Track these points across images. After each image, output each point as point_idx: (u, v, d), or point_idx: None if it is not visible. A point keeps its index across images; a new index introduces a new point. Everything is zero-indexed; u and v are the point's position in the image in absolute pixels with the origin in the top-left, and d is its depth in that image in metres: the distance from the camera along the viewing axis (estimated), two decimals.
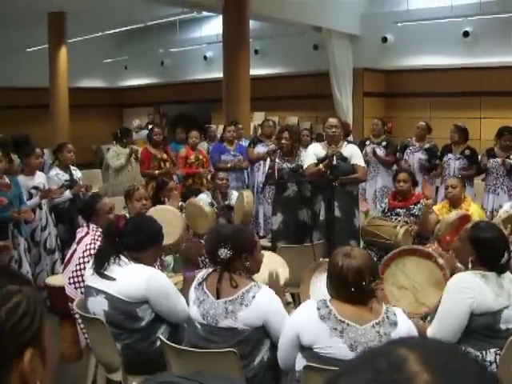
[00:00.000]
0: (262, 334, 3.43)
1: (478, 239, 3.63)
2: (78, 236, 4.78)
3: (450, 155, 8.78)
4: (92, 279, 3.82)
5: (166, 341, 3.40)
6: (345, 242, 6.26)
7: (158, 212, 5.07)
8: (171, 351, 3.41)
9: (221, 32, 14.75)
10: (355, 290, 3.02)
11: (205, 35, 16.62)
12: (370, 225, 6.29)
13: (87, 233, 4.74)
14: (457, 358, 0.81)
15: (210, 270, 3.63)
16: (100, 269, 3.76)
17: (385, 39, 13.68)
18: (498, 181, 8.27)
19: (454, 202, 6.43)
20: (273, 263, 4.45)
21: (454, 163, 8.76)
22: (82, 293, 4.41)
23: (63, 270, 4.77)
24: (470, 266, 3.64)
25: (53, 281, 5.40)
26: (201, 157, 8.99)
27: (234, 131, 9.46)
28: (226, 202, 7.04)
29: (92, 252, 4.54)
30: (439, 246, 5.71)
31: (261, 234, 8.59)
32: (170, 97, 18.89)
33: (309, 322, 3.05)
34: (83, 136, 16.53)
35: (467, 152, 8.74)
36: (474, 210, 6.36)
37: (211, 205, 6.84)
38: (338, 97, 14.00)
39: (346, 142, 6.96)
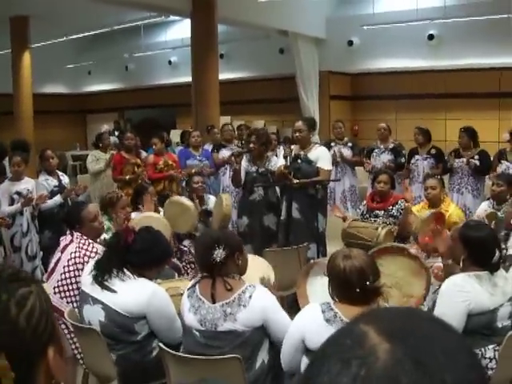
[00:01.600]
0: (262, 334, 3.41)
1: (469, 238, 3.65)
2: (62, 244, 4.65)
3: (417, 156, 8.91)
4: (90, 286, 3.73)
5: (166, 349, 3.32)
6: (303, 244, 6.29)
7: (142, 220, 4.99)
8: (172, 359, 3.33)
9: (186, 36, 14.74)
10: (360, 290, 3.01)
11: (169, 39, 16.57)
12: (350, 227, 6.28)
13: (71, 241, 4.60)
14: (414, 321, 0.83)
15: (198, 277, 3.61)
16: (101, 279, 3.67)
17: (351, 42, 13.78)
18: (462, 180, 8.44)
19: (434, 203, 6.46)
20: (259, 265, 4.44)
21: (422, 163, 8.92)
22: (67, 302, 4.32)
23: (47, 279, 4.64)
24: (461, 264, 3.66)
25: None
26: (170, 162, 8.88)
27: (199, 136, 9.41)
28: (204, 207, 6.96)
29: (78, 260, 4.43)
30: (418, 245, 5.76)
31: None
32: (135, 102, 18.73)
33: (314, 326, 3.02)
34: (47, 142, 16.13)
35: (433, 151, 8.91)
36: (453, 210, 6.40)
37: None
38: (304, 100, 14.03)
39: (316, 145, 7.01)
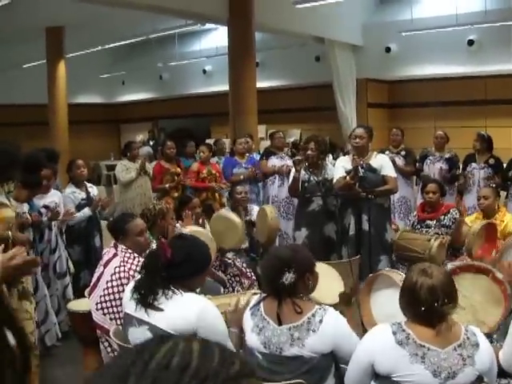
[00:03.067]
0: (330, 360, 3.16)
1: None
2: (105, 258, 4.44)
3: (473, 165, 8.57)
4: (133, 308, 3.50)
5: None
6: (374, 258, 6.04)
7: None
8: None
9: (220, 45, 14.67)
10: (426, 309, 2.79)
11: (204, 48, 16.44)
12: (401, 239, 6.08)
13: (115, 254, 4.40)
14: None
15: (263, 294, 3.39)
16: (144, 301, 3.39)
17: (388, 49, 13.57)
18: None
19: (488, 213, 6.20)
20: (327, 275, 4.22)
21: (478, 173, 8.58)
22: (111, 319, 4.13)
23: (89, 295, 4.45)
24: None
25: (76, 306, 5.09)
26: (213, 171, 8.71)
27: (246, 143, 9.22)
28: (247, 218, 6.75)
29: (122, 275, 4.24)
30: (470, 258, 5.51)
31: None
32: (168, 111, 18.64)
33: (385, 349, 2.79)
34: (80, 152, 16.18)
35: (491, 161, 8.55)
36: (509, 220, 6.14)
37: None
38: (341, 108, 13.81)
39: (375, 153, 6.74)
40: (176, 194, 8.32)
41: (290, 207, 8.62)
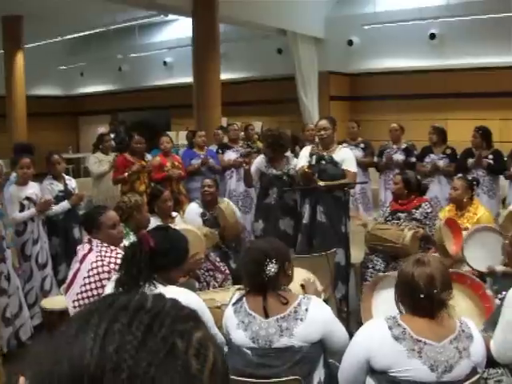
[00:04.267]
0: (319, 349, 3.16)
1: None
2: (80, 254, 4.30)
3: (432, 156, 8.64)
4: None
5: None
6: (328, 249, 6.04)
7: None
8: None
9: (182, 36, 14.55)
10: (425, 297, 2.79)
11: (165, 40, 16.27)
12: (374, 229, 6.08)
13: (90, 249, 4.27)
14: None
15: (241, 292, 3.35)
16: None
17: (350, 42, 13.58)
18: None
19: (459, 205, 6.24)
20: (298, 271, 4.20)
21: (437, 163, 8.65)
22: None
23: (66, 292, 4.33)
24: None
25: (50, 304, 4.96)
26: (176, 163, 8.59)
27: (205, 136, 9.15)
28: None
29: (100, 270, 4.12)
30: (442, 255, 5.57)
31: None
32: (128, 104, 18.37)
33: (381, 345, 2.77)
34: (39, 145, 15.90)
35: (448, 151, 8.67)
36: (482, 213, 6.19)
37: (203, 215, 6.51)
38: (304, 101, 13.81)
39: (340, 146, 6.72)
40: (142, 188, 8.18)
41: (248, 200, 8.69)
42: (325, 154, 6.37)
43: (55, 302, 4.88)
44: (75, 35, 14.86)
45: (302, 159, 6.50)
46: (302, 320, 3.09)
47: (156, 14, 12.92)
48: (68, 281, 4.33)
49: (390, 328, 2.78)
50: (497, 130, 12.02)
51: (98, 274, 4.11)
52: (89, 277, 4.11)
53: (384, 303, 3.92)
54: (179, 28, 15.48)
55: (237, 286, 4.44)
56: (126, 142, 8.79)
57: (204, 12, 10.51)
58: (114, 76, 18.01)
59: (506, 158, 8.29)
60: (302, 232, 6.45)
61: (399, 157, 8.92)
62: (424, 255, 3.03)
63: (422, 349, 2.71)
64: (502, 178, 8.32)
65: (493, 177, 8.22)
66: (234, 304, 3.28)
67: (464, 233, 5.76)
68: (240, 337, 3.17)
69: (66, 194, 6.72)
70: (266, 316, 3.13)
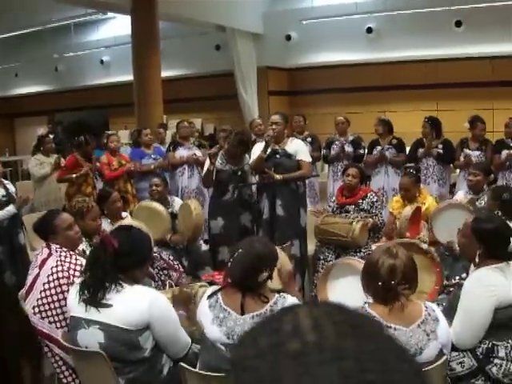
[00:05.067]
0: None
1: (484, 231, 3.56)
2: (39, 258, 4.19)
3: (378, 147, 8.79)
4: (79, 309, 3.35)
5: (187, 366, 3.03)
6: (287, 242, 6.11)
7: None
8: (193, 378, 3.05)
9: (119, 34, 14.40)
10: (382, 285, 2.90)
11: (101, 38, 16.04)
12: (323, 223, 6.14)
13: (50, 254, 4.20)
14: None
15: (214, 286, 3.36)
16: (95, 301, 3.29)
17: (289, 37, 13.67)
18: (428, 170, 8.42)
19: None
20: None
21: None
22: (50, 322, 3.92)
23: (25, 299, 4.24)
24: (477, 259, 3.55)
25: None
26: (123, 161, 8.51)
27: (151, 134, 9.09)
28: (169, 210, 6.63)
29: (60, 275, 4.04)
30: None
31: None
32: (65, 104, 17.97)
33: None
34: None
35: (394, 141, 8.84)
36: (430, 203, 6.35)
37: None
38: (243, 96, 13.85)
39: (290, 138, 6.78)
40: (88, 190, 8.07)
41: (200, 198, 8.61)
42: (277, 147, 6.42)
43: None
44: (9, 34, 14.50)
45: (255, 154, 6.53)
46: None
47: (92, 12, 12.76)
48: (27, 286, 4.22)
49: None
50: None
51: (58, 279, 4.03)
52: (48, 282, 4.03)
53: (339, 293, 4.00)
54: (116, 26, 15.29)
55: (199, 284, 4.45)
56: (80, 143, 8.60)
57: (143, 10, 10.43)
58: (51, 76, 17.61)
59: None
60: (263, 227, 6.48)
61: (347, 149, 9.04)
62: (395, 247, 3.11)
63: (392, 334, 2.77)
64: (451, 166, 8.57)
65: (443, 165, 8.43)
66: (208, 298, 3.28)
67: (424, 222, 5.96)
68: (214, 332, 3.17)
69: (9, 199, 6.53)
70: (242, 313, 3.14)
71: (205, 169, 6.89)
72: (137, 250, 3.41)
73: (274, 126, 6.48)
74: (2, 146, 18.10)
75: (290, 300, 3.22)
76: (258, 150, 6.59)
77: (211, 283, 4.86)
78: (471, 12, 11.59)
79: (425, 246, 4.34)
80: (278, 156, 6.44)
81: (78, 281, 3.53)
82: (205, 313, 3.23)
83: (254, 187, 6.97)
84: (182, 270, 5.82)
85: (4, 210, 6.34)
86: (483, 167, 6.52)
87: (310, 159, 6.78)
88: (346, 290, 3.54)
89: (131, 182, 8.45)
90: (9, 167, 16.69)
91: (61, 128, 17.23)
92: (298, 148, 6.56)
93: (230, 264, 3.33)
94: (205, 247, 6.94)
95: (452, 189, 8.59)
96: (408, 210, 5.96)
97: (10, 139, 19.69)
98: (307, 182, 8.91)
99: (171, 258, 5.91)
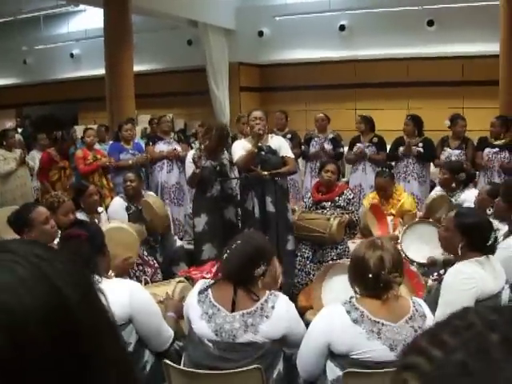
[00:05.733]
0: (280, 345, 3.16)
1: (466, 225, 3.61)
2: None
3: (358, 144, 8.82)
4: None
5: (171, 363, 2.98)
6: (282, 238, 6.07)
7: (111, 232, 4.44)
8: (177, 375, 2.98)
9: (90, 28, 14.23)
10: (372, 277, 2.87)
11: (72, 31, 15.81)
12: (300, 219, 6.13)
13: None
14: None
15: (208, 280, 3.31)
16: None
17: (261, 33, 13.63)
18: (408, 168, 8.43)
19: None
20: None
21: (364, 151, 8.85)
22: None
23: None
24: (459, 252, 3.57)
25: None
26: (99, 156, 8.39)
27: (132, 129, 8.98)
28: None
29: None
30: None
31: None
32: (34, 98, 17.67)
33: (342, 329, 2.82)
34: None
35: (375, 139, 8.89)
36: (406, 199, 6.39)
37: (128, 208, 6.40)
38: (215, 92, 13.78)
39: (270, 135, 6.72)
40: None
41: (181, 193, 8.55)
42: (260, 144, 6.33)
43: None
44: None
45: (237, 153, 6.40)
46: (267, 317, 3.08)
47: (64, 4, 12.57)
48: None
49: (349, 312, 2.83)
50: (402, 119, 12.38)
51: None
52: None
53: (333, 291, 3.98)
54: (87, 19, 15.08)
55: (177, 279, 4.39)
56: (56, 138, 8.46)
57: (116, 3, 10.31)
58: (19, 69, 17.29)
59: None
60: (255, 226, 6.36)
61: (327, 147, 9.03)
62: (378, 239, 3.11)
63: (380, 330, 2.79)
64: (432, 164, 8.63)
65: (423, 164, 8.46)
66: (199, 293, 3.22)
67: (389, 218, 5.97)
68: (202, 328, 3.11)
69: None
70: (233, 310, 3.09)
71: (188, 171, 6.79)
72: (92, 238, 3.34)
73: (258, 121, 6.39)
74: None
75: (282, 298, 3.19)
76: (239, 147, 6.49)
77: (187, 279, 4.83)
78: (443, 12, 11.67)
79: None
80: (263, 153, 6.37)
81: None
82: (193, 307, 3.18)
83: (233, 181, 6.91)
84: (157, 265, 5.77)
85: None
86: (450, 166, 6.61)
87: (293, 155, 6.74)
88: (340, 290, 3.52)
89: (107, 176, 8.35)
90: None
91: (29, 122, 16.95)
92: (281, 144, 6.49)
93: (225, 255, 3.29)
94: (179, 243, 6.86)
95: (432, 187, 8.65)
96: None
97: None
98: (289, 178, 8.95)
99: (145, 253, 5.85)
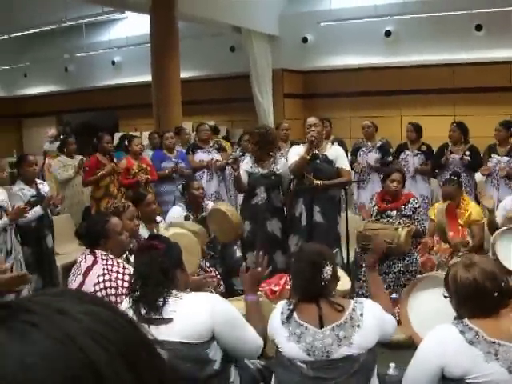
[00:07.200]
0: (374, 356, 3.02)
1: None
2: (83, 266, 3.97)
3: (407, 152, 8.70)
4: None
5: None
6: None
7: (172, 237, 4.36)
8: None
9: (131, 35, 14.23)
10: (498, 294, 2.67)
11: (113, 39, 15.78)
12: (366, 229, 5.96)
13: (95, 261, 3.96)
14: None
15: (290, 301, 3.15)
16: (152, 318, 2.98)
17: (305, 39, 13.46)
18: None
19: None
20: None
21: (412, 159, 8.79)
22: None
23: None
24: None
25: None
26: (144, 166, 8.27)
27: (173, 137, 8.91)
28: (204, 214, 6.41)
29: (108, 284, 3.82)
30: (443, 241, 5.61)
31: None
32: (75, 105, 17.67)
33: (456, 351, 2.62)
34: None
35: (424, 148, 8.81)
36: (473, 208, 6.19)
37: (187, 218, 6.26)
38: (259, 99, 13.62)
39: (330, 144, 6.59)
40: (115, 191, 7.88)
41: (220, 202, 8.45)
42: (317, 152, 6.22)
43: None
44: (18, 34, 14.25)
45: (292, 157, 6.32)
46: (359, 327, 2.94)
47: (109, 11, 12.54)
48: None
49: (462, 332, 2.64)
50: (447, 126, 12.15)
51: (105, 288, 3.82)
52: (95, 292, 3.80)
53: (418, 309, 3.80)
54: (128, 27, 15.07)
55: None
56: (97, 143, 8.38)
57: (163, 9, 10.21)
58: (60, 76, 17.31)
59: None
60: (299, 234, 6.27)
61: (374, 155, 8.87)
62: (469, 257, 2.91)
63: (497, 351, 2.59)
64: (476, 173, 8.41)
65: (469, 173, 8.27)
66: (281, 316, 3.07)
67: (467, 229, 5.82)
68: (292, 349, 2.96)
69: (40, 199, 6.29)
70: (321, 325, 2.94)
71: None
72: (171, 248, 3.21)
73: (313, 128, 6.29)
74: (10, 147, 17.84)
75: (367, 303, 3.05)
76: (294, 153, 6.38)
77: None
78: (491, 16, 11.42)
79: None
80: (318, 161, 6.25)
81: (126, 299, 3.23)
82: (278, 329, 3.03)
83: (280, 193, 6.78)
84: (219, 276, 5.64)
85: (31, 210, 6.10)
86: None
87: (349, 167, 6.60)
88: (429, 305, 3.33)
89: (150, 185, 8.24)
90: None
91: (69, 129, 16.98)
92: (339, 154, 6.38)
93: (291, 280, 3.18)
94: (239, 253, 6.73)
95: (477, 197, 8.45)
96: (441, 206, 5.88)
97: (17, 139, 19.44)
98: None
99: (208, 264, 5.73)
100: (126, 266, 4.00)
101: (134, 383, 0.66)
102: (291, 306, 3.07)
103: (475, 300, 2.71)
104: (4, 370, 0.59)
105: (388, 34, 12.60)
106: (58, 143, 13.05)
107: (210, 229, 6.04)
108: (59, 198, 6.61)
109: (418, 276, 4.83)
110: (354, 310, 3.00)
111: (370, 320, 2.98)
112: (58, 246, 6.75)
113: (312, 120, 6.40)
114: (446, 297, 2.84)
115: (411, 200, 6.22)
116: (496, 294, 2.67)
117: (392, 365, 3.83)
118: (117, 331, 0.68)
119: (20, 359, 0.60)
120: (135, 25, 14.29)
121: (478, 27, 11.72)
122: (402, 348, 4.55)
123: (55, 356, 0.62)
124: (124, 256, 4.41)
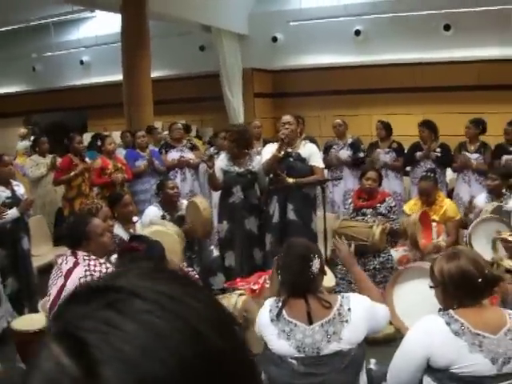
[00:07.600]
0: (363, 350, 3.05)
1: None
2: (64, 267, 3.95)
3: (378, 150, 8.81)
4: None
5: None
6: None
7: (154, 235, 4.37)
8: None
9: (100, 34, 14.09)
10: (482, 280, 2.72)
11: (82, 38, 15.62)
12: (341, 227, 5.99)
13: (76, 263, 3.95)
14: None
15: (278, 299, 3.16)
16: None
17: (275, 39, 13.47)
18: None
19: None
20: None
21: (384, 157, 8.91)
22: None
23: (50, 310, 3.97)
24: None
25: (21, 325, 4.56)
26: (120, 165, 8.22)
27: (145, 136, 8.88)
28: (179, 213, 6.40)
29: None
30: (415, 248, 5.64)
31: None
32: (43, 105, 17.44)
33: (442, 342, 2.66)
34: None
35: (395, 145, 8.97)
36: (448, 205, 6.27)
37: (163, 218, 6.24)
38: (229, 98, 13.61)
39: (303, 142, 6.61)
40: (87, 190, 7.83)
41: None
42: (290, 150, 6.24)
43: (27, 321, 4.50)
44: None
45: (266, 155, 6.34)
46: (347, 322, 2.97)
47: (79, 10, 12.41)
48: (51, 298, 3.97)
49: (448, 324, 2.69)
50: (415, 124, 12.27)
51: None
52: None
53: (403, 299, 3.85)
54: (97, 26, 14.93)
55: (238, 292, 4.26)
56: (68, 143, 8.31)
57: (133, 7, 10.14)
58: (28, 76, 17.09)
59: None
60: (272, 232, 6.30)
61: (346, 152, 8.94)
62: (452, 250, 2.98)
63: (481, 342, 2.65)
64: (448, 170, 8.53)
65: (441, 169, 8.39)
66: (270, 313, 3.08)
67: (433, 224, 5.86)
68: (282, 346, 2.99)
69: (15, 201, 6.22)
70: (310, 322, 2.95)
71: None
72: (151, 247, 3.23)
73: (286, 126, 6.31)
74: None
75: (354, 297, 3.09)
76: (268, 151, 6.40)
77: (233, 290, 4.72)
78: (460, 16, 11.55)
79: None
80: (291, 159, 6.27)
81: None
82: (267, 327, 3.05)
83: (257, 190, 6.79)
84: (197, 277, 5.62)
85: (7, 212, 6.02)
86: (501, 172, 6.46)
87: (323, 165, 6.62)
88: (414, 295, 3.37)
89: (126, 184, 8.19)
90: None
91: (38, 129, 16.78)
92: (312, 152, 6.41)
93: (279, 275, 3.19)
94: (216, 253, 6.73)
95: (450, 193, 8.54)
96: (414, 215, 5.93)
97: None
98: None
99: (185, 264, 5.71)
100: (109, 266, 3.98)
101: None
102: (280, 304, 3.09)
103: (463, 288, 2.76)
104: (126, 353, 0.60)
105: (358, 33, 12.67)
106: (26, 142, 13.02)
107: (186, 220, 6.08)
108: (29, 200, 6.51)
109: (400, 268, 4.87)
110: (341, 305, 3.03)
111: (359, 313, 3.01)
112: (32, 248, 6.68)
113: (286, 118, 6.43)
114: (431, 287, 2.88)
115: (387, 199, 6.28)
116: (480, 280, 2.72)
117: (373, 360, 3.89)
118: (222, 315, 0.69)
119: (141, 343, 0.60)
120: (104, 24, 14.18)
121: (447, 27, 11.84)
122: (381, 344, 4.62)
123: (176, 341, 0.62)
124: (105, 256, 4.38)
